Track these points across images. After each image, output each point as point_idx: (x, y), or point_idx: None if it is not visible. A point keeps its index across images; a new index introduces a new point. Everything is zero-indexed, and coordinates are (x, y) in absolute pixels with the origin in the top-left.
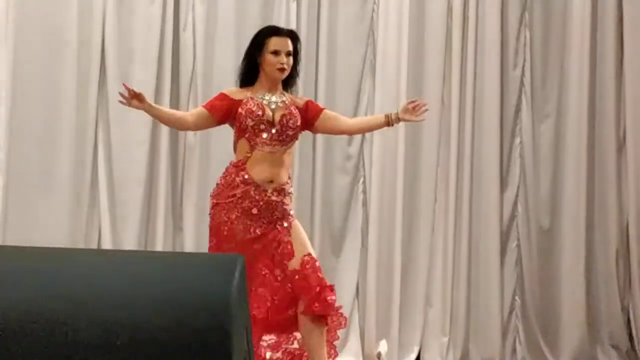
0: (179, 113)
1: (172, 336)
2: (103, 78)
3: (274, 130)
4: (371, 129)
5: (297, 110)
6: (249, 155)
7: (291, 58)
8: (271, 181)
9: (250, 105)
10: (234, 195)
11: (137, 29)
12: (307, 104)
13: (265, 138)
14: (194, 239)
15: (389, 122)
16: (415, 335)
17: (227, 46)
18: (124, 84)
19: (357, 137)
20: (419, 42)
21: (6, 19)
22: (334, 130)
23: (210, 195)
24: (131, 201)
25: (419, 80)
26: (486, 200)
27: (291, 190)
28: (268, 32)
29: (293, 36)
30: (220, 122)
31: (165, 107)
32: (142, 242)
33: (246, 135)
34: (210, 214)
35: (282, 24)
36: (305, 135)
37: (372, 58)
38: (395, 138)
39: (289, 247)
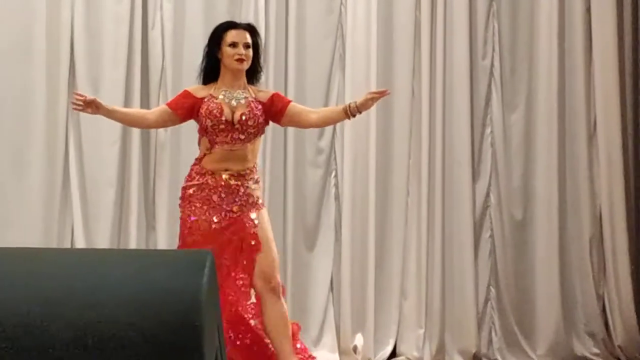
0: (139, 112)
1: (143, 334)
2: (73, 78)
3: (234, 128)
4: (333, 121)
5: (259, 106)
6: (208, 152)
7: (250, 50)
8: (226, 169)
9: (210, 105)
10: (192, 186)
11: (105, 28)
12: (273, 97)
13: (225, 137)
14: (167, 237)
15: (347, 113)
16: (390, 328)
17: (196, 43)
18: (74, 93)
19: (328, 130)
20: (387, 35)
21: None
22: (300, 124)
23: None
24: (103, 201)
25: (388, 73)
26: (458, 191)
27: (254, 176)
28: (225, 26)
29: (251, 29)
30: (184, 120)
31: (122, 108)
32: (115, 241)
33: (207, 134)
34: (179, 208)
35: (250, 19)
36: (276, 129)
37: (341, 52)
38: (366, 131)
39: (256, 240)
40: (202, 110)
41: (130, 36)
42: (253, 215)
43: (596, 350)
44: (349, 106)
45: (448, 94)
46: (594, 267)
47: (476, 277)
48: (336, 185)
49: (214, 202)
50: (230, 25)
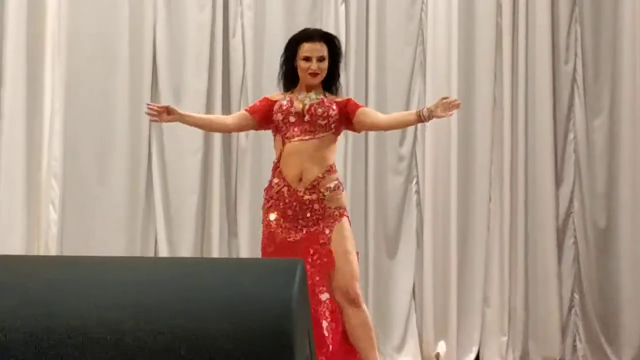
0: (218, 117)
1: (235, 342)
2: (155, 87)
3: (304, 121)
4: (404, 124)
5: (333, 105)
6: (281, 150)
7: (325, 62)
8: (300, 179)
9: (281, 102)
10: (272, 197)
11: (187, 37)
12: (347, 101)
13: (295, 131)
14: (249, 244)
15: (420, 117)
16: (473, 335)
17: (276, 51)
18: (147, 104)
19: (409, 137)
20: (468, 41)
21: (58, 31)
22: (370, 126)
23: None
24: (186, 209)
25: (470, 79)
26: (541, 197)
27: (331, 184)
28: (300, 38)
29: (327, 39)
30: (261, 124)
31: (199, 114)
32: (198, 249)
33: (280, 131)
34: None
35: (330, 27)
36: (357, 136)
37: (422, 58)
38: (447, 137)
39: (328, 257)
40: (275, 107)
41: (212, 44)
42: (327, 230)
43: None
44: (422, 110)
45: (530, 100)
46: None
47: (560, 284)
48: (417, 192)
49: (289, 216)
50: (305, 37)
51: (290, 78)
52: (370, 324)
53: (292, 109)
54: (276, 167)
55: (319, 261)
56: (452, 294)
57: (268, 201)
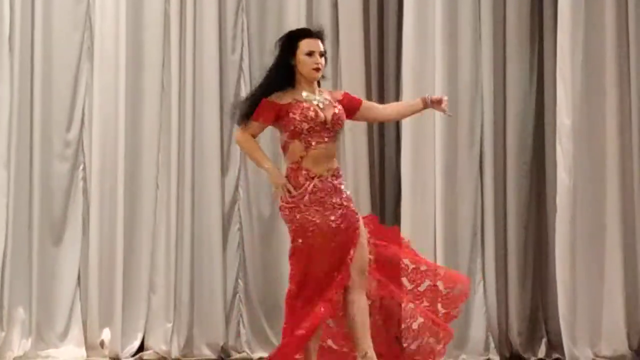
0: (254, 140)
1: None
2: None
3: (326, 128)
4: (409, 112)
5: (339, 105)
6: (303, 154)
7: (324, 58)
8: (328, 169)
9: (303, 109)
10: (305, 190)
11: None
12: (344, 96)
13: (321, 138)
14: None
15: (425, 102)
16: (138, 322)
17: None
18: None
19: (76, 122)
20: (137, 27)
21: None
22: (375, 119)
23: (281, 201)
24: None
25: (138, 66)
26: (208, 185)
27: (341, 172)
28: (298, 34)
29: (322, 36)
30: (267, 124)
31: (257, 152)
32: None
33: (301, 137)
34: (286, 217)
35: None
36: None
37: (89, 43)
38: (115, 123)
39: (355, 235)
40: (296, 115)
41: None
42: (357, 227)
43: None
44: (428, 97)
45: (198, 88)
46: None
47: (224, 271)
48: (84, 179)
49: (326, 202)
50: (304, 34)
51: (286, 76)
52: (367, 309)
53: (318, 119)
54: (298, 169)
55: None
56: (118, 281)
57: (302, 197)
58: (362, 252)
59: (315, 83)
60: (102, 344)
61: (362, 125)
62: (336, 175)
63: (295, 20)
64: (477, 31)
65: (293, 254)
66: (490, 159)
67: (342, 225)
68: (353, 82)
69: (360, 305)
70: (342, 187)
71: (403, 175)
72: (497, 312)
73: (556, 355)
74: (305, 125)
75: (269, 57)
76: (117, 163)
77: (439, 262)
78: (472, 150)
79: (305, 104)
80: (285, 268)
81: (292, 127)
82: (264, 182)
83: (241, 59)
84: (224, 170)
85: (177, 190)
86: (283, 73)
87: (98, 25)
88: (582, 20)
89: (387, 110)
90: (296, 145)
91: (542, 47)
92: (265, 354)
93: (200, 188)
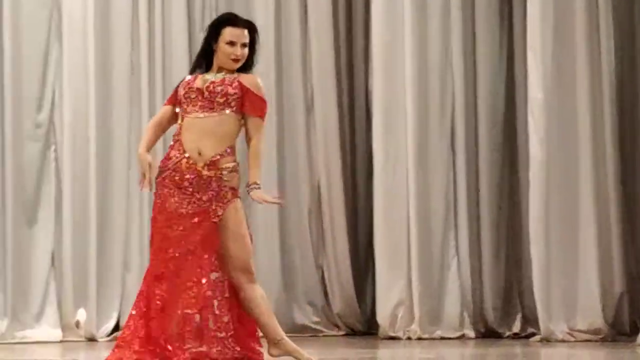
0: (156, 126)
1: None
2: None
3: (204, 98)
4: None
5: (236, 83)
6: (181, 124)
7: (246, 49)
8: (199, 153)
9: (187, 78)
10: (168, 168)
11: None
12: (248, 91)
13: (195, 106)
14: None
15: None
16: (114, 301)
17: None
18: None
19: (47, 103)
20: (105, 5)
21: None
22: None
23: None
24: None
25: (106, 46)
26: None
27: (228, 165)
28: (225, 21)
29: (251, 27)
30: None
31: (149, 137)
32: None
33: (180, 105)
34: None
35: None
36: None
37: (57, 22)
38: (85, 104)
39: (217, 235)
40: (180, 83)
41: None
42: (220, 211)
43: (316, 319)
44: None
45: (167, 67)
46: (313, 239)
47: None
48: (56, 160)
49: (184, 188)
50: (230, 22)
51: (206, 58)
52: (265, 297)
53: (194, 85)
54: (176, 141)
55: (208, 239)
56: (92, 260)
57: (163, 172)
58: (239, 254)
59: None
60: (77, 324)
61: (332, 100)
62: (210, 166)
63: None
64: (446, 6)
65: None
66: (462, 133)
67: (193, 218)
68: (322, 61)
69: (252, 298)
70: (216, 182)
71: (375, 150)
72: (472, 287)
73: (531, 330)
74: (182, 91)
75: None
76: (88, 143)
77: (413, 238)
78: (443, 124)
79: (193, 76)
80: (260, 247)
81: (177, 98)
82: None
83: None
84: None
85: None
86: (203, 56)
87: (66, 2)
88: None
89: (253, 142)
90: (178, 115)
91: (511, 22)
92: None
93: None
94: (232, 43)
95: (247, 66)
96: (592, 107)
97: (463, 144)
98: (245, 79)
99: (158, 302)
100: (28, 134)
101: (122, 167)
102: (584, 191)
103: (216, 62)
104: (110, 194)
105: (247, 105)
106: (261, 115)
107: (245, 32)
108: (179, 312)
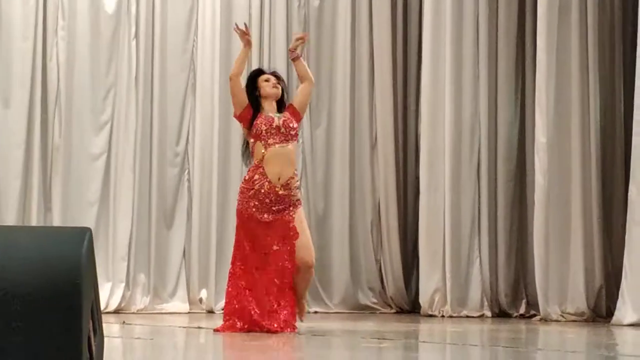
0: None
1: (37, 288)
2: None
3: (280, 132)
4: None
5: (291, 117)
6: (264, 154)
7: (279, 84)
8: (279, 177)
9: (263, 117)
10: (253, 188)
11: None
12: (288, 108)
13: (276, 138)
14: (61, 217)
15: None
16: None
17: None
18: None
19: (183, 138)
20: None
21: None
22: (304, 97)
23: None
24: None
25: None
26: None
27: (296, 184)
28: (255, 75)
29: (274, 73)
30: (245, 114)
31: (242, 61)
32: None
33: (261, 139)
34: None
35: (124, 59)
36: (145, 137)
37: (193, 81)
38: (211, 140)
39: (294, 231)
40: (258, 121)
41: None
42: (292, 215)
43: (375, 300)
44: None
45: None
46: (374, 242)
47: None
48: (189, 181)
49: (265, 204)
50: (258, 73)
51: (254, 105)
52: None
53: (274, 124)
54: (257, 167)
55: (289, 234)
56: (212, 254)
57: (249, 190)
58: (303, 246)
59: (275, 105)
60: (200, 300)
61: (390, 139)
62: (285, 186)
63: (342, 62)
64: (475, 73)
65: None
66: (485, 167)
67: (276, 222)
68: (384, 111)
69: (303, 277)
70: (289, 199)
71: (421, 177)
72: (490, 279)
73: (533, 312)
74: (264, 127)
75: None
76: (212, 169)
77: (447, 242)
78: (471, 160)
79: (265, 115)
80: (335, 246)
81: (254, 131)
82: (319, 182)
83: None
84: None
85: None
86: (252, 103)
87: (200, 66)
88: (553, 65)
89: (302, 85)
90: (257, 146)
91: (524, 85)
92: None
93: None
94: (266, 80)
95: (282, 102)
96: (582, 148)
97: (486, 174)
98: (287, 109)
99: (251, 286)
100: (169, 161)
101: (235, 186)
102: (574, 210)
103: (263, 102)
104: (227, 207)
105: (293, 110)
106: (291, 102)
107: (271, 76)
108: (266, 290)
